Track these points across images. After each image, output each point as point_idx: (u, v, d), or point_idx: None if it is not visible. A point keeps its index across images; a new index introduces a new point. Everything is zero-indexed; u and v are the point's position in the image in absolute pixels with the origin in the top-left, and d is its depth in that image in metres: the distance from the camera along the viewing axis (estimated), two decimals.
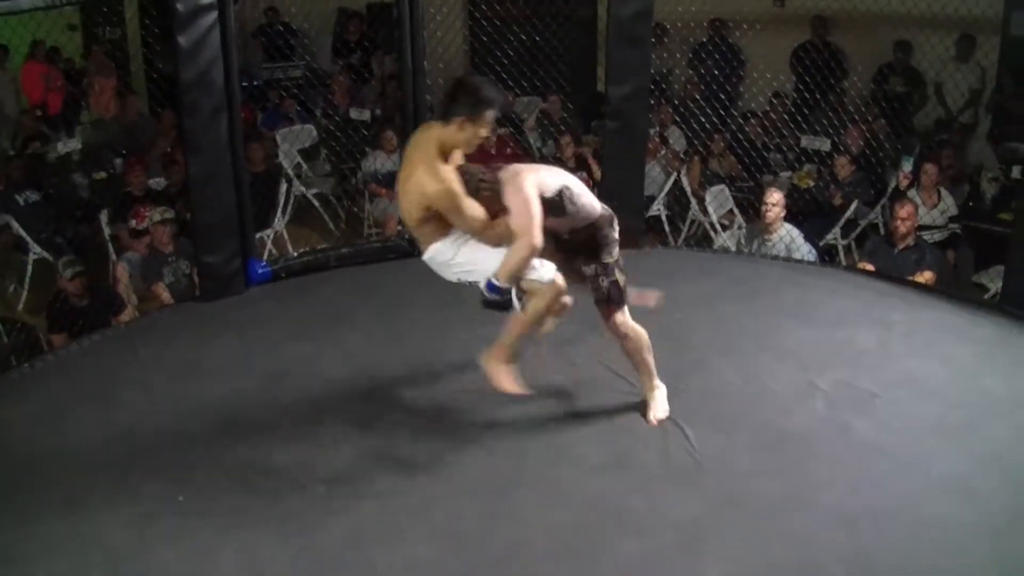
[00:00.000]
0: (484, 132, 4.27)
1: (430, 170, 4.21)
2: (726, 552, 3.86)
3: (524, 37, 8.57)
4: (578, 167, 8.76)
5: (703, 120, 8.66)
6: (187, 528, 4.14)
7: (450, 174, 4.22)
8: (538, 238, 4.18)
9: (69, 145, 9.97)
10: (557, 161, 8.84)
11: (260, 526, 4.11)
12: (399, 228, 7.42)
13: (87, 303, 6.76)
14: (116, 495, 4.37)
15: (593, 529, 3.99)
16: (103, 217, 8.57)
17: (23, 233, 8.56)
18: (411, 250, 6.88)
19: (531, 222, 4.18)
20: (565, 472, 4.38)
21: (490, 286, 4.29)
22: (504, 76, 8.44)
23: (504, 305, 4.34)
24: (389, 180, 8.88)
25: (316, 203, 9.52)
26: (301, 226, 9.34)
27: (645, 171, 7.40)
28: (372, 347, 5.64)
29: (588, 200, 4.51)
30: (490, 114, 4.26)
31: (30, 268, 8.53)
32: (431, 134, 4.34)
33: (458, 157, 4.38)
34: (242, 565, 3.92)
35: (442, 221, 4.34)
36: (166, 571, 3.91)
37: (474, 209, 4.27)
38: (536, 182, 4.29)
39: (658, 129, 9.21)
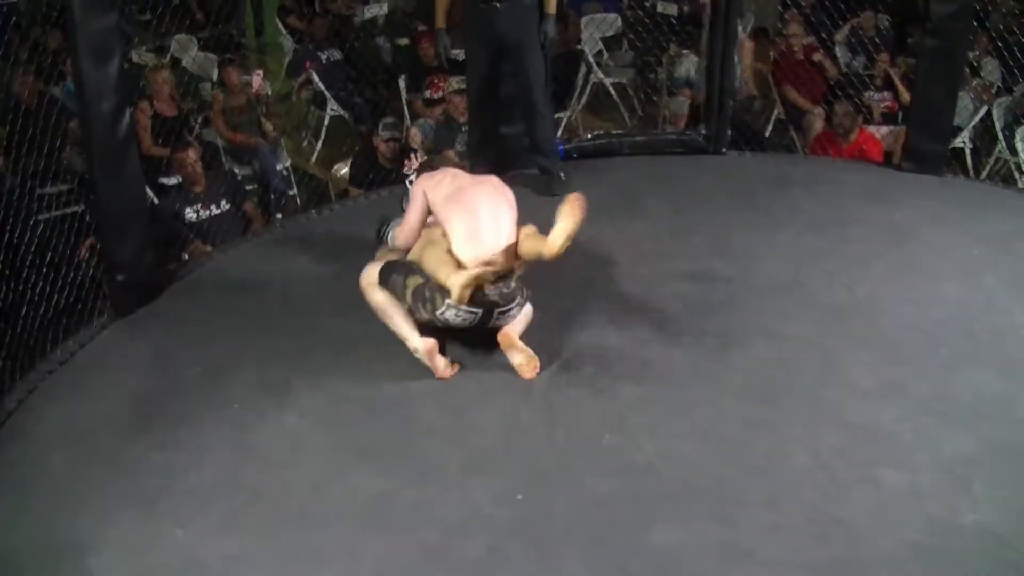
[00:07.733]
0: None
1: None
2: (993, 497, 3.45)
3: None
4: (884, 87, 8.28)
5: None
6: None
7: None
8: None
9: (374, 10, 10.15)
10: (867, 78, 8.30)
11: (519, 396, 4.08)
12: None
13: (392, 167, 6.99)
14: (386, 336, 4.37)
15: (855, 454, 3.70)
16: (402, 82, 8.67)
17: (323, 89, 8.77)
18: (706, 146, 6.65)
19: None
20: (832, 392, 4.06)
21: None
22: None
23: None
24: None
25: (613, 92, 9.32)
26: (595, 115, 9.16)
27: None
28: (656, 237, 5.42)
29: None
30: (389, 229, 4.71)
31: (326, 124, 8.76)
32: None
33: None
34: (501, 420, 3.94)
35: None
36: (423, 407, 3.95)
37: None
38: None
39: (976, 54, 8.45)
